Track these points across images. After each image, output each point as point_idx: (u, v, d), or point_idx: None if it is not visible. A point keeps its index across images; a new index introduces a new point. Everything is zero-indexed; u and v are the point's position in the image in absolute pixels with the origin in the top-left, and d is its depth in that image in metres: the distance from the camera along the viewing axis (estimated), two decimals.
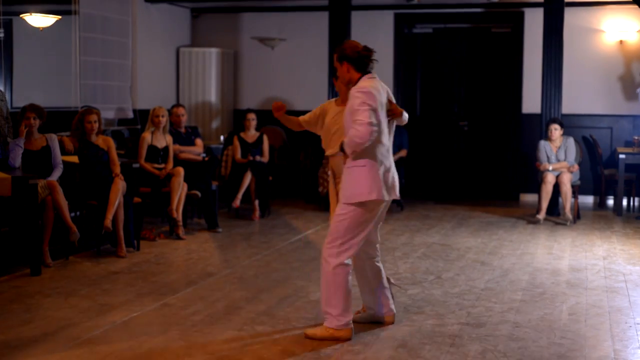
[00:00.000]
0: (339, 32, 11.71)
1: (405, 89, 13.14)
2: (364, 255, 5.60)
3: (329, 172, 5.85)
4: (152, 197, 9.13)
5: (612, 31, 12.09)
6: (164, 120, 9.28)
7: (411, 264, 7.77)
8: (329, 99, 11.72)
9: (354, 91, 5.30)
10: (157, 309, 6.08)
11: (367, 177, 5.27)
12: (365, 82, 5.35)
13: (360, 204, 5.26)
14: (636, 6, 11.37)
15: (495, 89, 12.95)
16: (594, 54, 12.18)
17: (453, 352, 5.12)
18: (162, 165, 9.25)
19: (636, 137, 11.41)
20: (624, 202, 11.69)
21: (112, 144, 8.39)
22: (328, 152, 5.67)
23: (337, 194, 5.60)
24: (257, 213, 10.39)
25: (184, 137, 9.92)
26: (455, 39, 13.15)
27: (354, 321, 5.53)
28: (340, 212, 5.31)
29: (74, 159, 8.30)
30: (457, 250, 8.48)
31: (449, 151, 13.14)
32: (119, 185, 7.95)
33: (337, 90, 5.84)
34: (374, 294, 5.70)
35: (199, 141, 10.06)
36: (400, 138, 11.42)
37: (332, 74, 11.66)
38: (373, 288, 5.69)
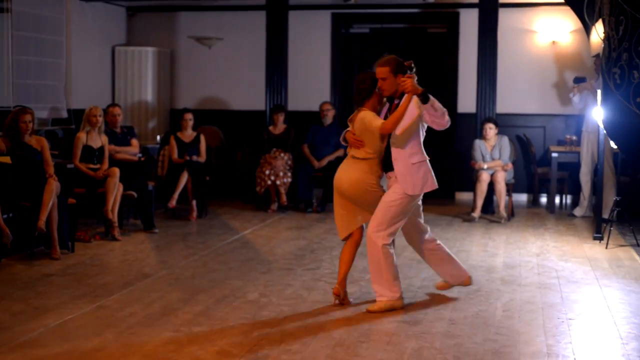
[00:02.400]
0: (276, 31, 11.72)
1: (342, 88, 13.19)
2: (418, 235, 6.44)
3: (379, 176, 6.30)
4: (87, 198, 9.01)
5: (544, 32, 12.31)
6: (100, 120, 9.17)
7: None
8: (266, 99, 11.76)
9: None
10: (93, 311, 6.01)
11: (427, 171, 6.11)
12: None
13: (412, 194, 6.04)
14: (568, 7, 11.58)
15: (431, 89, 13.02)
16: (527, 54, 12.38)
17: (390, 350, 5.16)
18: (98, 166, 9.13)
19: (568, 136, 11.65)
20: (557, 199, 11.92)
21: (46, 144, 8.26)
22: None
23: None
24: (194, 213, 10.33)
25: (120, 137, 9.82)
26: (391, 39, 13.25)
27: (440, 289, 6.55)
28: (391, 199, 6.02)
29: (6, 159, 8.14)
30: (394, 249, 8.51)
31: (386, 150, 13.20)
32: (53, 186, 7.83)
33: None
34: (444, 264, 6.50)
35: (134, 141, 9.97)
36: (338, 137, 11.40)
37: (279, 73, 11.68)
38: (439, 258, 6.49)
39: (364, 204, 6.24)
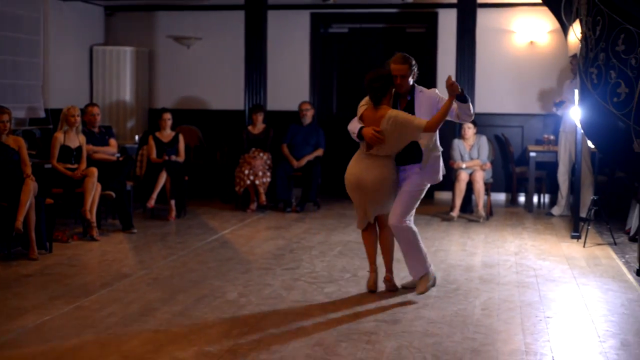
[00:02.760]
0: (254, 31, 11.71)
1: (321, 88, 13.21)
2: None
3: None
4: (65, 198, 8.96)
5: (522, 32, 12.37)
6: (78, 119, 9.13)
7: (328, 263, 7.81)
8: (245, 98, 11.74)
9: (433, 92, 6.40)
10: (71, 311, 5.98)
11: (441, 163, 6.54)
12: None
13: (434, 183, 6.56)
14: (546, 8, 11.65)
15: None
16: (505, 54, 12.43)
17: (369, 349, 5.17)
18: (75, 166, 9.09)
19: (546, 136, 11.71)
20: (535, 198, 11.99)
21: (23, 143, 8.20)
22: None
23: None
24: (173, 213, 10.30)
25: (98, 136, 9.77)
26: (370, 38, 13.26)
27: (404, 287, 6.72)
28: (415, 189, 6.38)
29: None
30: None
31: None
32: (30, 186, 7.78)
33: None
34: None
35: (113, 141, 9.93)
36: (317, 137, 11.47)
37: (258, 73, 11.67)
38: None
39: (380, 200, 6.41)
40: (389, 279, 6.71)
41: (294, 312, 6.02)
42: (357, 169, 6.45)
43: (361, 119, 6.38)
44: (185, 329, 5.56)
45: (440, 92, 6.44)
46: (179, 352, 5.06)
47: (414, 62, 6.33)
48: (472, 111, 6.33)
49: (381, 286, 6.73)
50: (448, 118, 6.31)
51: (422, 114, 6.27)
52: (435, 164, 6.46)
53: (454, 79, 11.77)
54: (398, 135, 6.21)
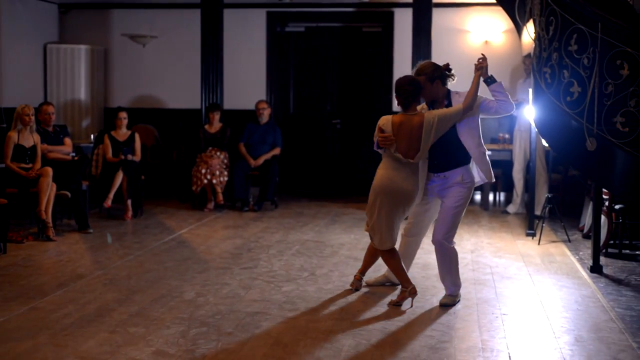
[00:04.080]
0: (211, 29, 11.67)
1: (278, 87, 13.20)
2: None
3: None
4: (20, 198, 8.85)
5: (477, 32, 12.48)
6: (33, 118, 9.03)
7: (285, 261, 7.81)
8: (202, 97, 11.70)
9: (460, 97, 6.28)
10: (26, 313, 5.91)
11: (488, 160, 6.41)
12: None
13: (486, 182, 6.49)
14: (500, 8, 11.76)
15: (367, 88, 13.16)
16: (460, 53, 12.52)
17: (327, 348, 5.18)
18: (30, 165, 8.99)
19: (501, 135, 11.82)
20: (490, 197, 12.10)
21: None
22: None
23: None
24: (130, 213, 10.23)
25: (53, 136, 9.68)
26: (327, 37, 13.28)
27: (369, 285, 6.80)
28: (457, 204, 6.22)
29: None
30: (330, 247, 8.58)
31: (323, 149, 13.28)
32: None
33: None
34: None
35: (68, 140, 9.84)
36: (274, 136, 11.46)
37: (214, 72, 11.63)
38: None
39: (401, 211, 6.27)
40: (359, 278, 6.75)
41: (252, 311, 6.01)
42: (393, 179, 6.17)
43: (388, 129, 6.15)
44: (142, 329, 5.53)
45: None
46: (136, 352, 5.03)
47: (434, 70, 6.22)
48: (509, 98, 6.24)
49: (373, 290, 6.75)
50: (488, 115, 6.30)
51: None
52: (486, 160, 6.31)
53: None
54: (439, 133, 6.12)
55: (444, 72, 6.28)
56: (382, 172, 6.23)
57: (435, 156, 6.26)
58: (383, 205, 6.18)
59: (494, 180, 6.51)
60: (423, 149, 6.10)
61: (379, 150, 6.25)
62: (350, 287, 6.74)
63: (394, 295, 6.43)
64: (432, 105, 6.30)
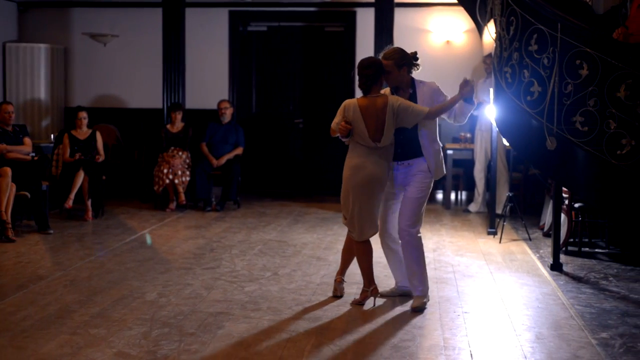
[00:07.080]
0: (172, 28, 11.61)
1: (240, 86, 13.17)
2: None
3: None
4: None
5: (439, 32, 12.55)
6: None
7: (248, 261, 7.80)
8: (164, 97, 11.63)
9: (433, 84, 6.39)
10: None
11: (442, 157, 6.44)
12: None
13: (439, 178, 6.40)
14: (462, 8, 11.84)
15: (330, 87, 13.17)
16: (422, 53, 12.35)
17: (290, 347, 5.18)
18: None
19: (462, 134, 11.89)
20: (452, 196, 12.17)
21: None
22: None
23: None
24: (90, 213, 10.14)
25: (12, 135, 9.56)
26: (289, 37, 13.27)
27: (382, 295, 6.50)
28: (420, 195, 6.21)
29: None
30: (293, 247, 8.58)
31: (285, 148, 13.27)
32: None
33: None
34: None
35: (27, 140, 9.72)
36: (237, 135, 11.44)
37: (176, 71, 11.58)
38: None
39: (378, 198, 6.20)
40: (340, 281, 6.53)
41: (215, 311, 5.99)
42: (364, 166, 6.08)
43: (356, 112, 6.08)
44: (103, 331, 5.49)
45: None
46: (98, 354, 4.99)
47: (402, 57, 6.21)
48: (469, 114, 6.32)
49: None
50: (444, 117, 6.29)
51: (425, 105, 6.19)
52: (439, 157, 6.31)
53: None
54: (399, 121, 6.08)
55: (412, 60, 6.29)
56: (352, 162, 6.14)
57: (398, 145, 6.24)
58: (357, 197, 6.10)
59: (441, 177, 6.41)
60: (387, 131, 6.04)
61: (345, 140, 6.20)
62: (334, 294, 6.49)
63: (356, 295, 6.44)
64: (396, 92, 6.29)
